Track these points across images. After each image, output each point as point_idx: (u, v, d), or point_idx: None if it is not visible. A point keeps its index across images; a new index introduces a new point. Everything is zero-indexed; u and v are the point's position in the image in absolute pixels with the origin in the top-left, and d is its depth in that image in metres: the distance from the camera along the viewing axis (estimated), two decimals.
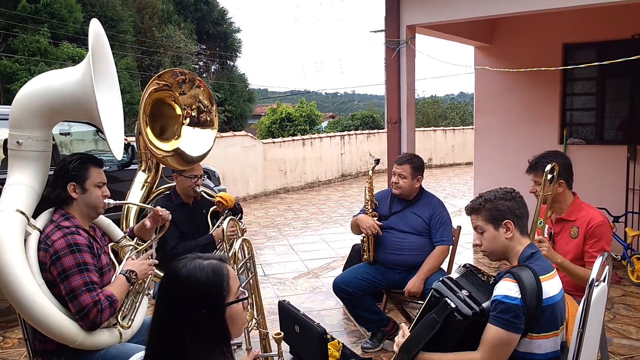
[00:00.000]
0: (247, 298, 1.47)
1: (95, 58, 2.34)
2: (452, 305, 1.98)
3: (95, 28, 2.38)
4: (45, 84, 2.40)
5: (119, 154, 2.53)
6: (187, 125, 3.40)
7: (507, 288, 1.95)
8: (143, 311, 2.60)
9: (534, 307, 1.93)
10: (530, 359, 2.00)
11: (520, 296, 1.91)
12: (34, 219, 2.36)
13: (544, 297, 1.95)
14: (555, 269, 2.12)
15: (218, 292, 1.40)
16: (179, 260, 1.45)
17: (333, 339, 3.35)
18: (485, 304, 2.00)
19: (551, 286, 2.01)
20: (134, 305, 2.51)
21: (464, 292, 2.04)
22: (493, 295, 1.98)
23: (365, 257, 3.72)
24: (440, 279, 2.12)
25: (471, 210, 2.20)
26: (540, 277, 1.98)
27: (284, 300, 3.50)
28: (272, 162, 12.09)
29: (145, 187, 3.36)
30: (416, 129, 5.63)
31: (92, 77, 2.21)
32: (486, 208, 2.14)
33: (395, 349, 2.10)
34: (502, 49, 6.37)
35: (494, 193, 2.17)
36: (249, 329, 2.62)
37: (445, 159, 17.26)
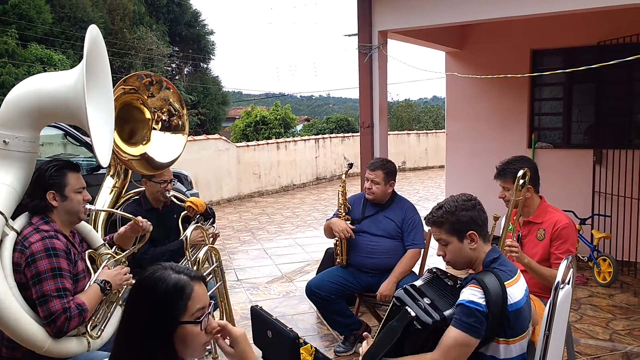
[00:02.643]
0: (200, 322, 1.40)
1: (90, 64, 2.31)
2: (412, 314, 1.98)
3: (93, 33, 2.35)
4: (37, 86, 2.36)
5: (105, 161, 2.49)
6: (158, 129, 3.35)
7: (471, 294, 1.95)
8: (115, 321, 2.55)
9: (499, 312, 1.92)
10: None
11: (484, 302, 1.91)
12: (12, 220, 2.31)
13: (509, 302, 1.95)
14: (519, 272, 2.13)
15: (170, 307, 1.37)
16: (153, 266, 1.45)
17: (306, 343, 3.33)
18: (447, 312, 1.99)
19: (516, 290, 2.01)
20: (106, 315, 2.47)
21: (426, 300, 2.02)
22: (458, 300, 1.97)
23: (338, 260, 3.73)
24: (404, 286, 2.10)
25: (432, 223, 2.14)
26: (505, 282, 1.98)
27: (256, 306, 3.48)
28: (246, 165, 12.03)
29: (113, 192, 3.31)
30: (390, 133, 5.69)
31: (84, 83, 2.18)
32: (449, 221, 2.08)
33: (360, 359, 2.11)
34: (473, 54, 6.47)
35: (454, 204, 2.10)
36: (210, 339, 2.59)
37: (419, 162, 17.43)
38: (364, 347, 2.13)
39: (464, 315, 1.92)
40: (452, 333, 1.93)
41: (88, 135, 2.34)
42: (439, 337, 1.97)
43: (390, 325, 2.03)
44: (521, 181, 2.87)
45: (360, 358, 2.12)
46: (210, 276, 2.78)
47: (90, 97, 2.28)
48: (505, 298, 1.94)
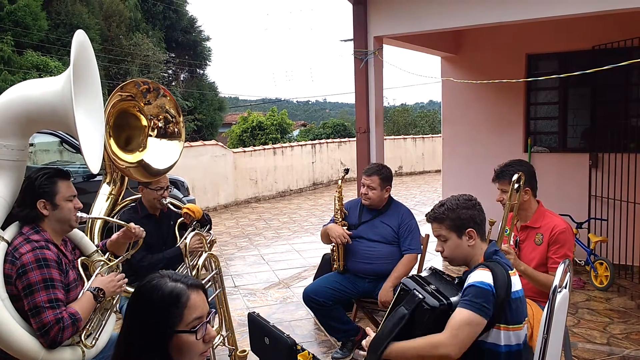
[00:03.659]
0: (195, 332, 1.38)
1: (77, 69, 2.29)
2: (420, 296, 2.04)
3: (80, 38, 2.34)
4: (24, 93, 2.34)
5: (95, 167, 2.46)
6: (155, 136, 3.35)
7: (481, 275, 2.02)
8: (110, 329, 2.54)
9: (503, 297, 2.00)
10: (497, 350, 2.04)
11: (493, 283, 2.00)
12: (2, 230, 2.29)
13: (512, 289, 2.04)
14: (513, 269, 2.21)
15: (165, 316, 1.36)
16: (152, 275, 1.44)
17: (303, 349, 3.32)
18: (453, 299, 2.06)
19: (516, 280, 2.11)
20: (100, 323, 2.45)
21: (432, 286, 2.11)
22: (466, 284, 2.04)
23: (335, 266, 3.73)
24: (409, 275, 2.18)
25: (434, 219, 2.24)
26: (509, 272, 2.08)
27: (254, 312, 3.47)
28: (242, 171, 12.02)
29: (110, 200, 3.30)
30: (386, 137, 5.70)
31: (72, 89, 2.16)
32: (449, 217, 2.18)
33: (362, 353, 2.13)
34: (468, 59, 6.49)
35: (456, 202, 2.21)
36: (214, 346, 2.58)
37: (415, 167, 17.45)
38: (367, 340, 2.14)
39: (473, 296, 1.98)
40: (461, 313, 1.98)
41: (77, 142, 2.32)
42: (443, 324, 2.01)
43: (399, 309, 2.08)
44: (516, 185, 2.88)
45: (367, 347, 2.12)
46: (210, 283, 2.76)
47: (78, 103, 2.25)
48: (510, 284, 2.03)
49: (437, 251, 2.27)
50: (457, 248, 2.20)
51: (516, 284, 2.08)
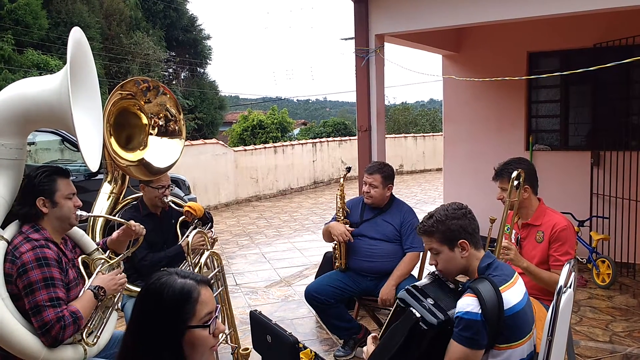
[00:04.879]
0: (208, 325, 1.40)
1: (74, 67, 2.28)
2: (417, 314, 1.97)
3: (76, 36, 2.33)
4: (21, 91, 2.33)
5: (94, 165, 2.45)
6: (155, 135, 3.35)
7: (466, 304, 1.92)
8: (111, 327, 2.54)
9: (496, 319, 1.91)
10: None
11: (480, 311, 1.89)
12: (2, 229, 2.28)
13: (505, 307, 1.93)
14: (516, 274, 2.11)
15: (178, 312, 1.37)
16: (159, 273, 1.44)
17: (305, 347, 3.32)
18: (451, 312, 1.98)
19: (512, 295, 1.99)
20: (102, 321, 2.44)
21: (430, 300, 2.01)
22: (455, 312, 1.95)
23: (337, 264, 3.72)
24: (406, 287, 2.10)
25: (423, 232, 2.13)
26: (500, 288, 1.96)
27: (256, 310, 3.47)
28: (243, 169, 12.02)
29: (111, 198, 3.30)
30: (387, 136, 5.70)
31: (69, 87, 2.15)
32: (439, 230, 2.07)
33: (365, 357, 2.11)
34: (469, 57, 6.48)
35: (444, 212, 2.10)
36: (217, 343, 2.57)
37: (416, 165, 17.45)
38: (369, 348, 2.11)
39: (462, 329, 1.91)
40: (455, 348, 1.92)
41: (75, 141, 2.31)
42: (444, 338, 1.96)
43: (395, 327, 2.02)
44: (515, 182, 2.87)
45: (364, 356, 2.10)
46: (212, 281, 2.76)
47: (75, 100, 2.24)
48: (501, 304, 1.93)
49: (431, 265, 2.17)
50: (451, 261, 2.08)
51: (511, 299, 1.96)
